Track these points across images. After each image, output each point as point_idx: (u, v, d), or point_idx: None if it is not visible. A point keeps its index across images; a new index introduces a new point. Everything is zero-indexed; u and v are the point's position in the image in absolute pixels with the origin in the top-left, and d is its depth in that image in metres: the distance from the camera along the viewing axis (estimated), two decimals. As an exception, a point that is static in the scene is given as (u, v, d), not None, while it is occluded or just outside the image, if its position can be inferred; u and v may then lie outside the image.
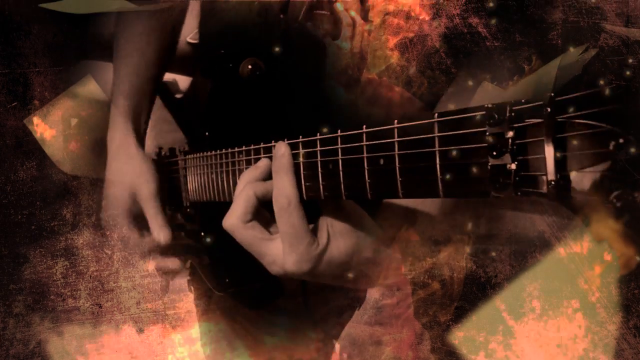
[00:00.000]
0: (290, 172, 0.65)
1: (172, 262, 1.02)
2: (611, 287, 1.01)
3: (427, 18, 1.01)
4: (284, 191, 0.64)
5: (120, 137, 0.98)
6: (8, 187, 1.00)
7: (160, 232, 0.95)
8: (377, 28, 1.01)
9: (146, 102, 1.02)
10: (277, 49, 0.90)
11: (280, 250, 0.66)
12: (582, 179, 0.41)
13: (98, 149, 1.00)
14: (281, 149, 0.66)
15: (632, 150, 0.41)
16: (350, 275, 0.72)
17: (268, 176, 0.69)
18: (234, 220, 0.67)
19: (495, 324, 1.01)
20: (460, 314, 1.02)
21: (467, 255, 1.02)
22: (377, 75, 1.04)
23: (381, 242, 0.75)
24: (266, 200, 0.68)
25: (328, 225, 0.67)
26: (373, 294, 1.04)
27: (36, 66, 1.02)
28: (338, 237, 0.68)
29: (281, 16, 0.96)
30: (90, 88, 1.00)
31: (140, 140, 1.01)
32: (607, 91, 0.41)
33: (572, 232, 1.01)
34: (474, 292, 1.01)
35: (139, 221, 0.99)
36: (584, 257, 1.00)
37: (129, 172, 0.97)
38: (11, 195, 1.00)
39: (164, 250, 0.99)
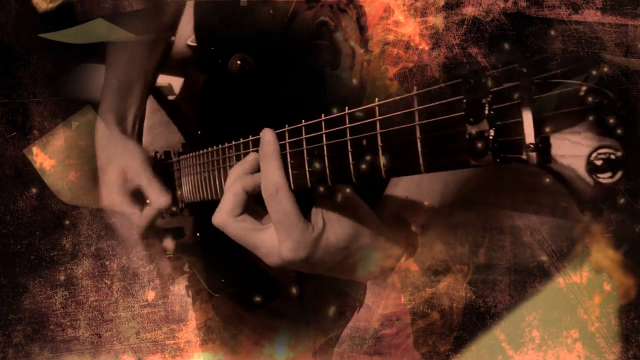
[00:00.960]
0: (277, 158, 0.64)
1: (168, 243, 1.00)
2: (610, 317, 1.01)
3: (426, 48, 1.01)
4: (272, 178, 0.63)
5: (103, 127, 0.97)
6: (7, 217, 1.00)
7: (159, 198, 0.94)
8: (376, 58, 1.01)
9: (134, 97, 1.00)
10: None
11: (275, 240, 0.65)
12: (561, 141, 0.40)
13: (97, 179, 1.00)
14: (266, 136, 0.64)
15: (607, 105, 0.40)
16: (349, 262, 0.70)
17: (257, 169, 0.68)
18: (223, 216, 0.66)
19: (495, 354, 1.01)
20: (459, 344, 1.02)
21: (467, 285, 1.02)
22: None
23: (380, 231, 0.74)
24: (256, 194, 0.67)
25: (323, 211, 0.66)
26: (372, 324, 1.04)
27: (35, 96, 1.02)
28: (335, 223, 0.66)
29: (270, 11, 0.96)
30: (89, 118, 1.00)
31: (125, 131, 0.99)
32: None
33: (572, 262, 1.01)
34: (473, 322, 1.01)
35: (137, 198, 0.98)
36: (583, 287, 1.00)
37: (115, 154, 0.96)
38: (11, 225, 1.00)
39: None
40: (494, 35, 1.03)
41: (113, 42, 1.00)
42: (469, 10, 1.01)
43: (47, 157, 1.01)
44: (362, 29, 1.01)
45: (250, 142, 0.71)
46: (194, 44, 1.12)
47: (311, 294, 1.04)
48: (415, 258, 1.00)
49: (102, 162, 0.97)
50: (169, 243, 1.02)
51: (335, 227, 0.66)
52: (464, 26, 1.01)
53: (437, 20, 1.01)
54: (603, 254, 1.00)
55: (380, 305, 1.02)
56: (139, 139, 1.04)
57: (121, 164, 0.95)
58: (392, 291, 1.03)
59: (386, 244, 0.76)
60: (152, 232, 0.99)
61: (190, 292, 1.10)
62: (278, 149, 0.64)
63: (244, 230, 0.66)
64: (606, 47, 1.01)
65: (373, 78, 1.00)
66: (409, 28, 1.01)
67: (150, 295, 1.01)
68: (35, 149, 1.01)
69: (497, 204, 1.00)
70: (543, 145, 0.38)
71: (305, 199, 0.67)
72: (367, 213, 0.71)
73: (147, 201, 0.97)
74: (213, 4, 0.99)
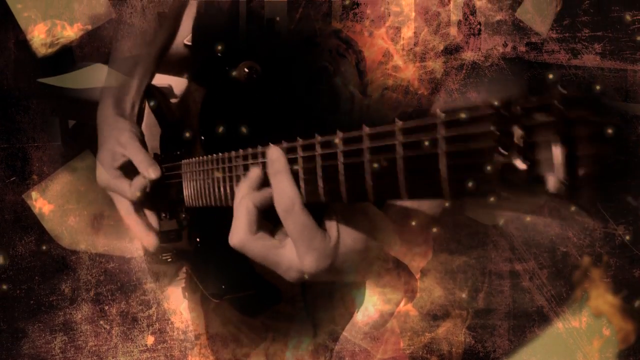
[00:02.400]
0: (287, 173, 0.63)
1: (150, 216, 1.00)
2: (610, 362, 1.01)
3: (425, 93, 1.01)
4: (286, 193, 0.62)
5: (101, 110, 0.97)
6: (7, 262, 1.00)
7: (148, 170, 0.92)
8: (375, 102, 1.01)
9: (133, 82, 0.99)
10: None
11: (294, 255, 0.64)
12: (589, 179, 0.40)
13: (97, 224, 1.00)
14: (274, 153, 0.64)
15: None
16: (366, 262, 0.70)
17: (261, 184, 0.67)
18: (242, 235, 0.65)
19: (494, 399, 1.02)
20: (459, 389, 1.02)
21: (466, 330, 1.02)
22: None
23: (390, 229, 0.74)
24: (265, 209, 0.66)
25: (335, 217, 0.65)
26: (371, 368, 1.04)
27: (35, 141, 1.02)
28: (348, 226, 0.66)
29: (277, 19, 0.96)
30: (88, 163, 1.00)
31: (121, 113, 0.99)
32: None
33: (571, 307, 1.01)
34: (472, 366, 1.02)
35: (128, 173, 0.95)
36: (582, 332, 1.00)
37: (108, 135, 0.96)
38: (10, 270, 1.00)
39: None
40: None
41: (119, 29, 1.00)
42: (468, 55, 1.01)
43: (46, 202, 1.01)
44: (361, 73, 1.01)
45: (259, 153, 0.71)
46: (190, 43, 1.12)
47: (312, 296, 1.04)
48: (415, 303, 1.01)
49: (99, 143, 0.97)
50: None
51: (349, 231, 0.66)
52: (463, 71, 1.01)
53: (436, 65, 1.01)
54: (602, 298, 1.01)
55: (379, 350, 1.02)
56: (138, 122, 1.04)
57: (113, 142, 0.95)
58: (391, 336, 1.03)
59: (395, 239, 0.77)
60: (146, 204, 0.98)
61: (186, 294, 1.10)
62: (287, 164, 0.63)
63: (265, 248, 0.65)
64: (605, 92, 1.01)
65: (372, 123, 1.00)
66: (408, 73, 1.01)
67: (150, 340, 1.01)
68: (34, 194, 1.01)
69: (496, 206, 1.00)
70: (574, 182, 0.38)
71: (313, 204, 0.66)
72: (376, 213, 0.71)
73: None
74: (215, 9, 0.99)
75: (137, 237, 0.96)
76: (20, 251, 1.01)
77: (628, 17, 0.98)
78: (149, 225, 0.97)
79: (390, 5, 1.00)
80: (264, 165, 0.68)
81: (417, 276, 1.04)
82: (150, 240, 0.95)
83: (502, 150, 0.40)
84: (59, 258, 1.01)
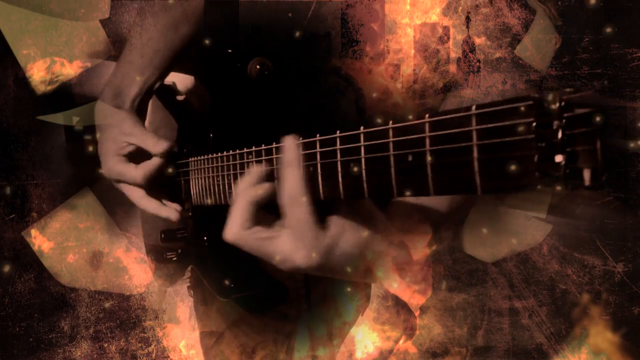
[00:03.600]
0: (298, 166, 0.64)
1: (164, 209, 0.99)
2: (609, 399, 1.01)
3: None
4: (292, 185, 0.63)
5: (99, 101, 0.97)
6: (6, 300, 1.00)
7: (156, 146, 0.92)
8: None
9: (138, 78, 0.97)
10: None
11: (288, 246, 0.65)
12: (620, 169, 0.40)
13: (96, 262, 1.00)
14: (289, 143, 0.64)
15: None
16: (361, 268, 0.71)
17: (261, 181, 0.68)
18: (235, 230, 0.66)
19: None
20: None
21: (465, 367, 1.02)
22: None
23: (391, 236, 0.74)
24: (264, 203, 0.66)
25: (339, 219, 0.66)
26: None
27: (34, 178, 1.02)
28: (348, 230, 0.66)
29: (289, 14, 0.95)
30: (88, 201, 1.00)
31: (119, 106, 0.98)
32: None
33: (570, 345, 1.01)
34: (472, 404, 1.01)
35: (134, 159, 0.95)
36: (582, 370, 1.00)
37: (107, 126, 0.96)
38: (9, 307, 1.00)
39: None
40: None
41: (135, 26, 1.00)
42: (467, 93, 1.01)
43: (45, 240, 1.01)
44: (360, 111, 1.01)
45: (274, 148, 0.70)
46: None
47: (318, 297, 1.04)
48: (414, 340, 1.01)
49: (98, 136, 0.97)
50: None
51: (347, 236, 0.67)
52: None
53: (435, 102, 1.01)
54: (602, 336, 1.00)
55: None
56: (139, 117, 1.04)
57: (112, 132, 0.95)
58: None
59: (397, 249, 0.77)
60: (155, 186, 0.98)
61: (192, 292, 1.10)
62: (300, 156, 0.64)
63: (258, 241, 0.66)
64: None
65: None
66: (408, 110, 1.01)
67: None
68: (33, 232, 1.01)
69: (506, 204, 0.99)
70: (614, 175, 0.38)
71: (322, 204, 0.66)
72: (380, 220, 0.72)
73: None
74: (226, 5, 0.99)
75: (157, 214, 0.95)
76: (19, 288, 1.01)
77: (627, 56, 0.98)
78: (164, 202, 0.96)
79: (389, 42, 1.00)
80: (267, 162, 0.69)
81: (417, 313, 1.04)
82: (171, 212, 0.94)
83: (542, 144, 0.40)
84: (58, 295, 1.01)
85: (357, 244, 0.68)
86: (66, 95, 1.03)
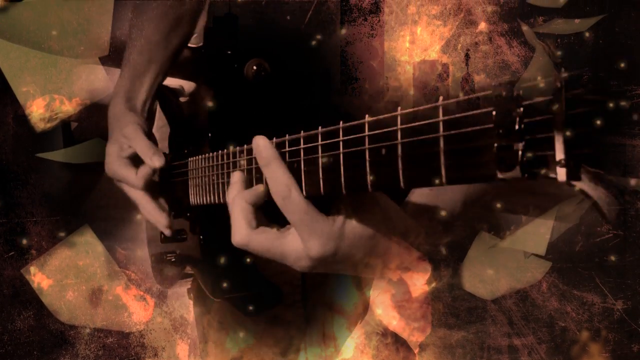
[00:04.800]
0: (278, 160, 0.62)
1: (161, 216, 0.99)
2: None
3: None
4: (280, 180, 0.61)
5: (113, 105, 0.98)
6: (5, 337, 1.00)
7: (152, 159, 0.91)
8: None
9: (146, 80, 1.00)
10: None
11: (298, 243, 0.63)
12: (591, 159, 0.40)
13: (95, 299, 1.00)
14: (259, 142, 0.63)
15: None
16: (377, 252, 0.69)
17: (247, 185, 0.67)
18: (244, 232, 0.64)
19: None
20: None
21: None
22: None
23: (410, 227, 0.73)
24: (259, 205, 0.65)
25: (342, 204, 0.64)
26: None
27: (33, 215, 1.02)
28: (358, 212, 0.64)
29: (287, 17, 0.96)
30: (87, 238, 1.00)
31: (132, 108, 1.00)
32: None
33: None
34: None
35: (136, 162, 0.95)
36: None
37: (116, 127, 0.96)
38: (8, 345, 1.00)
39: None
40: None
41: (135, 26, 1.00)
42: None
43: (44, 277, 1.01)
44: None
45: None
46: (195, 46, 1.12)
47: (314, 302, 1.04)
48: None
49: (109, 135, 0.98)
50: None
51: (361, 216, 0.65)
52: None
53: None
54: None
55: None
56: (150, 121, 1.04)
57: (119, 134, 0.95)
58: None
59: (410, 232, 0.76)
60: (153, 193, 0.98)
61: (192, 295, 1.10)
62: (276, 151, 0.63)
63: (268, 241, 0.64)
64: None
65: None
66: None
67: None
68: (33, 269, 1.01)
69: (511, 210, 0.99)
70: (573, 162, 0.38)
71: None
72: (387, 203, 0.70)
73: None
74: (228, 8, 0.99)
75: (151, 220, 0.96)
76: (18, 326, 1.01)
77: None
78: (162, 209, 0.97)
79: (388, 79, 1.00)
80: (248, 162, 0.68)
81: (416, 351, 1.04)
82: (164, 222, 0.95)
83: (500, 132, 0.40)
84: (57, 333, 1.01)
85: (368, 225, 0.66)
86: (65, 132, 1.03)
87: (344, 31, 0.96)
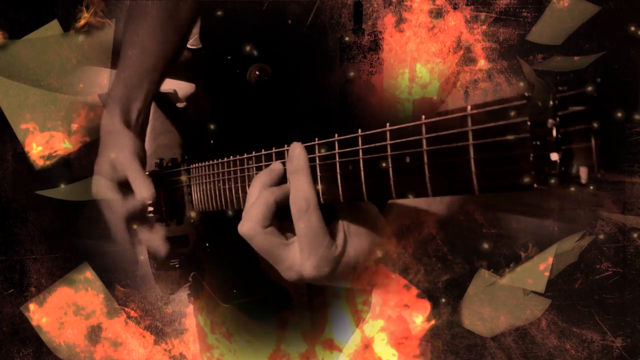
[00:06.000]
0: (307, 173, 0.63)
1: (158, 242, 0.96)
2: None
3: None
4: (302, 193, 0.62)
5: (106, 117, 0.96)
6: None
7: (142, 190, 0.91)
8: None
9: (141, 91, 0.99)
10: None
11: (297, 256, 0.64)
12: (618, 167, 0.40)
13: (94, 336, 1.00)
14: (296, 149, 0.63)
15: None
16: (364, 273, 0.71)
17: (282, 180, 0.67)
18: (254, 225, 0.64)
19: None
20: None
21: None
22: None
23: (390, 241, 0.74)
24: (283, 206, 0.65)
25: (344, 226, 0.65)
26: None
27: (33, 253, 1.02)
28: (354, 237, 0.66)
29: (289, 22, 0.95)
30: (86, 275, 1.00)
31: (127, 123, 0.98)
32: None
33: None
34: None
35: (124, 188, 0.94)
36: None
37: (110, 144, 0.95)
38: (8, 382, 1.00)
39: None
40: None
41: (127, 35, 1.00)
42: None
43: (44, 314, 1.01)
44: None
45: (273, 153, 0.69)
46: (194, 47, 1.11)
47: (319, 304, 1.04)
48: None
49: (99, 151, 0.97)
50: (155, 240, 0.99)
51: (354, 243, 0.66)
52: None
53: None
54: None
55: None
56: (142, 131, 1.03)
57: (112, 154, 0.94)
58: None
59: (390, 254, 0.77)
60: (140, 222, 0.97)
61: (192, 300, 1.10)
62: (308, 163, 0.63)
63: (271, 244, 0.64)
64: (603, 204, 1.01)
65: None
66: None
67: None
68: (32, 306, 1.01)
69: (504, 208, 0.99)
70: (610, 172, 0.38)
71: (325, 209, 0.65)
72: (382, 226, 0.71)
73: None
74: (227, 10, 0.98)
75: (125, 246, 0.96)
76: (18, 363, 1.01)
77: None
78: (136, 240, 0.96)
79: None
80: (285, 162, 0.68)
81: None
82: (134, 256, 0.95)
83: (537, 142, 0.40)
84: (56, 370, 1.01)
85: (361, 250, 0.67)
86: (65, 170, 1.03)
87: (352, 74, 0.96)
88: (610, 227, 1.02)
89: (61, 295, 1.01)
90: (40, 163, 1.01)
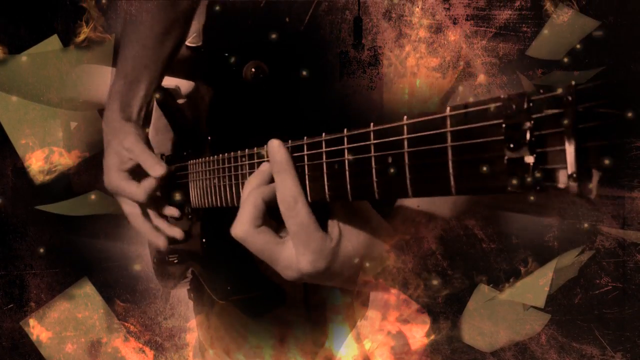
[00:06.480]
0: (291, 168, 0.62)
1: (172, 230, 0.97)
2: None
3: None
4: (288, 189, 0.62)
5: (108, 113, 0.97)
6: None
7: (154, 168, 0.91)
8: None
9: (141, 86, 0.99)
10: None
11: (293, 253, 0.64)
12: (598, 171, 0.40)
13: (94, 351, 1.00)
14: (274, 146, 0.63)
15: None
16: (362, 274, 0.70)
17: (272, 179, 0.66)
18: (245, 227, 0.64)
19: None
20: None
21: None
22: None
23: (390, 241, 0.74)
24: (273, 205, 0.65)
25: (338, 221, 0.65)
26: None
27: (32, 268, 1.02)
28: (351, 232, 0.66)
29: (286, 19, 0.95)
30: (86, 290, 1.00)
31: (128, 118, 0.97)
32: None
33: None
34: None
35: (136, 175, 0.94)
36: None
37: (113, 138, 0.95)
38: (7, 397, 1.00)
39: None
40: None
41: (127, 31, 0.99)
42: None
43: (43, 329, 1.01)
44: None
45: (266, 152, 0.69)
46: (194, 45, 1.11)
47: (316, 302, 1.04)
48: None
49: (104, 146, 0.97)
50: (172, 210, 1.00)
51: (351, 237, 0.66)
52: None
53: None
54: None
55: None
56: (144, 125, 1.02)
57: (118, 146, 0.94)
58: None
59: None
60: (155, 204, 0.98)
61: (192, 296, 1.10)
62: (290, 158, 0.63)
63: (265, 243, 0.64)
64: (603, 220, 1.01)
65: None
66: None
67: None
68: (32, 321, 1.01)
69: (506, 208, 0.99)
70: (585, 176, 0.38)
71: (318, 208, 0.65)
72: (379, 223, 0.71)
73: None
74: (226, 8, 0.98)
75: (147, 237, 0.96)
76: (17, 378, 1.01)
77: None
78: (156, 227, 0.97)
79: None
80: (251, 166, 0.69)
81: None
82: (159, 241, 0.95)
83: (511, 145, 0.40)
84: (56, 385, 1.01)
85: (358, 246, 0.67)
86: (65, 185, 1.03)
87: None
88: (610, 242, 1.02)
89: (61, 310, 1.01)
90: (39, 178, 1.01)
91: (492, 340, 1.02)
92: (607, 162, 0.39)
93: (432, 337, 1.01)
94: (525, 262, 1.01)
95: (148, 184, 0.93)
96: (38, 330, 1.01)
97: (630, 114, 0.42)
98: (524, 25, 1.01)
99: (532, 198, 0.74)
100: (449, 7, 1.01)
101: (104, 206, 1.01)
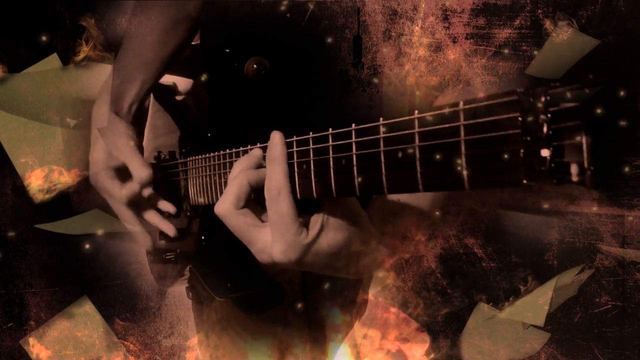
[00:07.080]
0: (283, 161, 0.65)
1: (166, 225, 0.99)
2: None
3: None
4: (276, 180, 0.65)
5: (97, 105, 0.98)
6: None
7: (139, 171, 0.93)
8: (372, 248, 1.01)
9: (135, 81, 0.99)
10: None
11: (269, 239, 0.66)
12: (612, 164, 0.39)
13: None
14: (275, 138, 0.66)
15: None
16: (338, 265, 0.72)
17: (261, 165, 0.70)
18: (227, 205, 0.67)
19: None
20: None
21: None
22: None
23: (371, 236, 0.75)
24: (258, 188, 0.68)
25: (323, 218, 0.67)
26: None
27: (32, 287, 1.02)
28: (331, 230, 0.67)
29: (287, 15, 0.96)
30: (86, 309, 1.00)
31: (118, 111, 0.98)
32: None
33: None
34: None
35: (122, 174, 0.96)
36: None
37: (103, 132, 0.96)
38: (7, 416, 1.00)
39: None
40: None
41: (132, 26, 0.99)
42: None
43: (43, 348, 1.01)
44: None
45: (262, 148, 0.71)
46: (193, 43, 1.11)
47: (315, 300, 1.04)
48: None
49: (92, 138, 0.98)
50: (167, 206, 1.00)
51: (329, 236, 0.68)
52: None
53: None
54: None
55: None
56: (136, 122, 1.03)
57: (106, 142, 0.95)
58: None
59: (375, 248, 0.77)
60: (145, 205, 0.99)
61: (190, 294, 1.10)
62: (285, 152, 0.66)
63: (244, 225, 0.67)
64: (603, 238, 1.01)
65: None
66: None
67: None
68: (31, 340, 1.01)
69: (486, 203, 0.99)
70: (601, 169, 0.37)
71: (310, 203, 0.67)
72: (364, 221, 0.72)
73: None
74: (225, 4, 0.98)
75: (134, 235, 0.96)
76: (17, 397, 1.01)
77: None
78: (143, 225, 0.98)
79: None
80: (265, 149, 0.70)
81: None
82: (145, 240, 0.96)
83: (527, 138, 0.39)
84: (56, 403, 1.01)
85: (336, 244, 0.69)
86: (64, 203, 1.03)
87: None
88: (610, 260, 1.02)
89: (61, 329, 1.01)
90: (39, 197, 1.02)
91: (492, 359, 1.02)
92: (621, 156, 0.39)
93: (432, 355, 1.01)
94: (525, 280, 1.01)
95: (130, 189, 0.95)
96: (38, 348, 1.01)
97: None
98: (523, 44, 1.01)
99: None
100: (449, 26, 1.01)
101: (104, 225, 1.01)
